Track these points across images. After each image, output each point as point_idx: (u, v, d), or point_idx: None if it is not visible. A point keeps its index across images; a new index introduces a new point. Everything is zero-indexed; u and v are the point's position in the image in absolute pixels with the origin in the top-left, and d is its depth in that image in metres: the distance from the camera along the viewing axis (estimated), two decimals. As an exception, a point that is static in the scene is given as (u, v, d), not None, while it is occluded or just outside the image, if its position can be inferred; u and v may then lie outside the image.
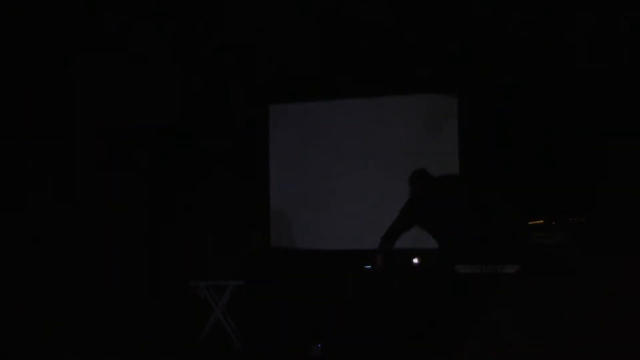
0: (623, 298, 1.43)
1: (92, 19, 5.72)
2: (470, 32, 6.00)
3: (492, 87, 6.41)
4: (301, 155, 7.01)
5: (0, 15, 5.44)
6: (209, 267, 6.30)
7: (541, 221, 6.17)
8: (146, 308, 6.33)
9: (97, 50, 6.05)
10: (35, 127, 6.04)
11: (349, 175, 6.84)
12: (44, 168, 6.11)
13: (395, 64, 6.60)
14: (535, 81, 6.24)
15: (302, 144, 7.01)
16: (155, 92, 6.55)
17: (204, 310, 6.17)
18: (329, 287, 6.45)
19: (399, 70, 6.67)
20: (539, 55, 6.06)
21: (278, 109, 7.10)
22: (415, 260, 6.44)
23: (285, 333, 5.98)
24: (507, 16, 5.71)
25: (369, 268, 6.24)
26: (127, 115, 6.56)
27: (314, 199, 6.92)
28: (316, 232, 6.89)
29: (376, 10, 5.72)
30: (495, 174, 6.31)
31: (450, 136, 6.58)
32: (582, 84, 5.94)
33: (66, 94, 6.25)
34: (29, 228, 5.86)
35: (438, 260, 6.23)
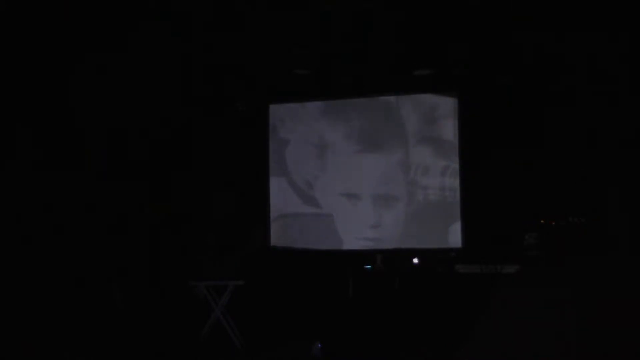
0: (623, 299, 1.43)
1: (92, 18, 5.72)
2: (470, 31, 6.00)
3: (492, 87, 6.41)
4: (301, 155, 7.01)
5: (1, 15, 5.44)
6: (209, 267, 6.30)
7: (541, 221, 6.18)
8: (146, 308, 6.32)
9: (96, 50, 6.05)
10: (34, 127, 6.04)
11: (348, 175, 6.84)
12: (44, 168, 6.11)
13: (396, 64, 6.60)
14: (535, 81, 6.24)
15: (302, 144, 7.01)
16: (155, 92, 6.55)
17: (204, 310, 6.17)
18: (329, 287, 6.45)
19: (399, 70, 6.66)
20: (539, 55, 6.06)
21: (278, 109, 7.10)
22: (415, 260, 6.45)
23: (285, 333, 5.98)
24: (507, 16, 5.71)
25: (369, 268, 6.25)
26: (127, 115, 6.56)
27: (314, 199, 6.92)
28: (316, 232, 6.89)
29: (376, 10, 5.72)
30: (495, 174, 6.31)
31: (450, 136, 6.59)
32: (581, 84, 5.94)
33: (63, 94, 6.25)
34: (28, 227, 5.86)
35: (438, 260, 6.24)
